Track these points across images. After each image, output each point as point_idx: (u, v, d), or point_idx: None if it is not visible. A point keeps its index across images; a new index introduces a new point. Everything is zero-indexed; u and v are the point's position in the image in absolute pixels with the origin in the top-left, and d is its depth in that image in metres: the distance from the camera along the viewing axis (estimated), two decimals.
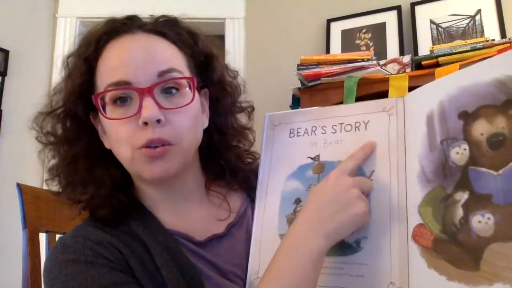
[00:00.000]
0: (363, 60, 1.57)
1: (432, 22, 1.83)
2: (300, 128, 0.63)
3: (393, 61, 1.71)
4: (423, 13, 1.85)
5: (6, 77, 2.07)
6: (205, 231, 0.64)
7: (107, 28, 0.61)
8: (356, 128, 0.58)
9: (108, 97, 0.57)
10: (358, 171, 0.55)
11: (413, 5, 1.88)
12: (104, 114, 0.58)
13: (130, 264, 0.57)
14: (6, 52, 2.07)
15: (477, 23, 1.74)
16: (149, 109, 0.55)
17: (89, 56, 0.60)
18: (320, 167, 0.59)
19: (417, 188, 0.51)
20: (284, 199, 0.60)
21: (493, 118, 0.46)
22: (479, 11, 1.75)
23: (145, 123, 0.55)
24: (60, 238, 0.61)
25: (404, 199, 0.52)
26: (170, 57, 0.60)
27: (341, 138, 0.59)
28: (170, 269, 0.57)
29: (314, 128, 0.62)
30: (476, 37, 1.68)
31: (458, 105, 0.49)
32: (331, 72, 1.57)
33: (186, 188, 0.65)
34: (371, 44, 1.92)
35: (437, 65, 1.50)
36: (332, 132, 0.60)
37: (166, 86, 0.58)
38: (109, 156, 0.62)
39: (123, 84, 0.56)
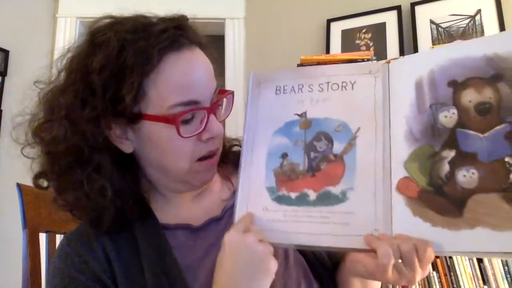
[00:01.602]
0: (363, 60, 1.57)
1: (432, 22, 1.83)
2: (286, 85, 0.64)
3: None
4: (423, 13, 1.85)
5: (6, 77, 2.07)
6: (205, 215, 0.67)
7: (165, 38, 0.57)
8: (343, 88, 0.61)
9: (176, 118, 0.57)
10: (344, 128, 0.58)
11: (413, 5, 1.88)
12: (180, 132, 0.57)
13: (113, 268, 0.60)
14: (6, 52, 2.07)
15: (477, 23, 1.74)
16: (217, 126, 0.61)
17: (146, 69, 0.56)
18: (307, 123, 0.61)
19: (404, 145, 0.55)
20: (270, 154, 0.61)
21: (481, 89, 0.52)
22: (479, 11, 1.75)
23: (210, 138, 0.60)
24: (64, 236, 0.65)
25: (388, 154, 0.55)
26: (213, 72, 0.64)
27: (328, 97, 0.61)
28: (154, 271, 0.59)
29: (300, 86, 0.63)
30: (476, 37, 1.68)
31: (448, 75, 0.54)
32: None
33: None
34: (371, 44, 1.92)
35: None
36: (319, 91, 0.62)
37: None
38: (118, 163, 0.62)
39: (193, 104, 0.58)
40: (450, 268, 1.37)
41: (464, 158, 0.50)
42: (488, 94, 0.51)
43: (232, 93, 0.66)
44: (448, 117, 0.53)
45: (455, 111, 0.53)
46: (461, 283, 1.35)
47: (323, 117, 0.60)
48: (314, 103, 0.61)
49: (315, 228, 0.55)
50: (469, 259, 1.36)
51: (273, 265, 0.53)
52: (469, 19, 1.76)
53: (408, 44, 1.86)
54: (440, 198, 0.51)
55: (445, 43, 1.69)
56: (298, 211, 0.57)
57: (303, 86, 0.63)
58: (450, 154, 0.52)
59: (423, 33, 1.82)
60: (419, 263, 0.49)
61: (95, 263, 0.60)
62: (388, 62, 0.61)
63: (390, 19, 1.92)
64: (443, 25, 1.80)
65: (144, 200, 0.66)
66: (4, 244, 1.90)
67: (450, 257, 1.37)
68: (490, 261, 1.33)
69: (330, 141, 0.59)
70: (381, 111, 0.57)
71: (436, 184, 0.51)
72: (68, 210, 0.63)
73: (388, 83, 0.58)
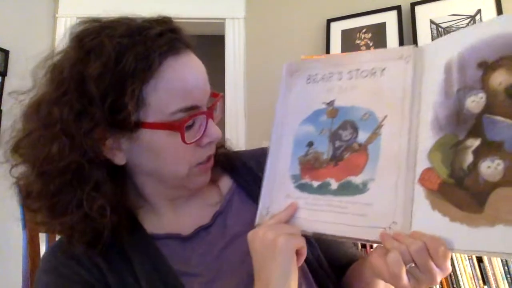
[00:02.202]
0: None
1: (432, 22, 1.83)
2: (317, 74, 0.64)
3: None
4: (423, 13, 1.85)
5: (6, 77, 2.07)
6: (194, 224, 0.65)
7: (164, 42, 0.55)
8: (372, 74, 0.59)
9: (181, 124, 0.55)
10: (370, 116, 0.57)
11: (413, 5, 1.88)
12: (184, 138, 0.56)
13: (107, 280, 0.57)
14: (6, 52, 2.07)
15: (477, 23, 1.74)
16: (216, 130, 0.60)
17: (147, 75, 0.53)
18: (334, 112, 0.60)
19: (429, 134, 0.51)
20: (297, 142, 0.62)
21: None
22: (479, 11, 1.75)
23: (209, 142, 0.60)
24: (47, 250, 0.62)
25: (414, 145, 0.52)
26: None
27: (356, 84, 0.60)
28: (150, 279, 0.57)
29: (330, 74, 0.62)
30: None
31: (478, 56, 0.49)
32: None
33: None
34: (371, 44, 1.92)
35: None
36: (348, 78, 0.61)
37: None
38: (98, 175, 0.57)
39: (193, 109, 0.57)
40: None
41: (489, 148, 0.45)
42: None
43: (223, 96, 0.65)
44: (475, 101, 0.48)
45: (483, 95, 0.48)
46: (461, 283, 1.35)
47: (350, 105, 0.59)
48: (342, 91, 0.60)
49: (333, 217, 0.55)
50: (469, 259, 1.36)
51: (284, 243, 0.52)
52: (469, 19, 1.76)
53: (408, 44, 1.85)
54: (461, 191, 0.46)
55: None
56: (319, 200, 0.57)
57: (333, 74, 0.62)
58: (474, 143, 0.47)
59: (423, 33, 1.82)
60: (434, 263, 0.46)
61: (87, 273, 0.57)
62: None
63: (390, 19, 1.92)
64: (443, 25, 1.80)
65: (131, 212, 0.63)
66: (4, 244, 1.90)
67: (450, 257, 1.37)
68: (490, 261, 1.33)
69: (355, 130, 0.58)
70: (409, 98, 0.54)
71: (457, 176, 0.47)
72: (63, 235, 0.59)
73: (422, 68, 0.55)
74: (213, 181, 0.70)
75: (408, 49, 0.57)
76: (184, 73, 0.56)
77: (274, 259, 0.52)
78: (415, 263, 0.47)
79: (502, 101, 0.46)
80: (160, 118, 0.55)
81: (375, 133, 0.56)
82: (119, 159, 0.58)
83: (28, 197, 0.58)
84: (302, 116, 0.63)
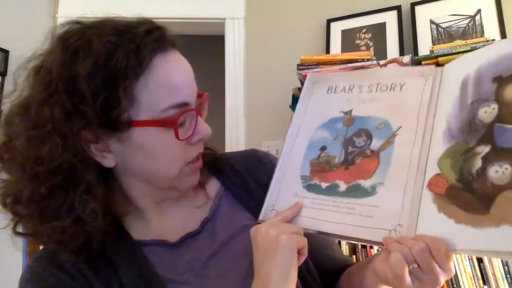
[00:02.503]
0: (363, 60, 1.57)
1: (432, 22, 1.83)
2: (338, 86, 0.66)
3: (393, 61, 1.70)
4: (423, 13, 1.85)
5: (6, 77, 2.07)
6: (181, 230, 0.65)
7: (152, 40, 0.55)
8: (392, 89, 0.61)
9: (175, 120, 0.55)
10: (385, 126, 0.58)
11: (413, 5, 1.88)
12: (178, 134, 0.55)
13: (94, 286, 0.56)
14: (6, 52, 2.07)
15: (477, 23, 1.74)
16: (206, 127, 0.60)
17: (138, 72, 0.53)
18: (351, 121, 0.62)
19: (440, 143, 0.53)
20: (311, 145, 0.64)
21: None
22: (479, 11, 1.75)
23: (199, 140, 0.60)
24: (30, 261, 0.60)
25: (425, 154, 0.54)
26: None
27: (376, 97, 0.62)
28: (135, 287, 0.56)
29: (351, 87, 0.65)
30: (476, 37, 1.68)
31: (494, 71, 0.51)
32: (331, 72, 1.57)
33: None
34: (371, 44, 1.92)
35: (437, 65, 1.49)
36: (368, 92, 0.63)
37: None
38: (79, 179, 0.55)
39: (184, 106, 0.57)
40: None
41: (498, 154, 0.47)
42: None
43: (208, 95, 0.64)
44: (488, 112, 0.50)
45: (495, 106, 0.49)
46: (461, 283, 1.34)
47: (367, 116, 0.61)
48: (361, 102, 0.63)
49: (339, 217, 0.55)
50: (469, 259, 1.36)
51: (286, 240, 0.52)
52: (469, 19, 1.76)
53: (408, 44, 1.85)
54: (468, 195, 0.47)
55: (445, 43, 1.69)
56: (326, 200, 0.58)
57: (353, 87, 0.64)
58: (484, 149, 0.48)
59: (423, 33, 1.82)
60: (437, 263, 0.46)
61: (73, 282, 0.56)
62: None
63: (390, 19, 1.92)
64: (443, 25, 1.80)
65: (117, 218, 0.62)
66: (4, 244, 1.90)
67: None
68: (490, 261, 1.33)
69: (369, 137, 0.59)
70: (425, 111, 0.56)
71: (466, 180, 0.48)
72: (53, 242, 0.57)
73: (439, 85, 0.57)
74: (200, 183, 0.69)
75: (429, 68, 0.59)
76: (173, 70, 0.56)
77: (275, 256, 0.52)
78: (418, 265, 0.47)
79: None
80: (151, 116, 0.54)
81: (389, 142, 0.57)
82: (109, 162, 0.57)
83: (17, 203, 0.56)
84: (319, 122, 0.64)
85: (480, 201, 0.46)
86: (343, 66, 1.57)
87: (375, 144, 0.58)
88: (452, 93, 0.55)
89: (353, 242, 0.65)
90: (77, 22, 0.58)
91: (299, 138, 0.65)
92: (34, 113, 0.54)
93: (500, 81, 0.50)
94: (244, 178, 0.70)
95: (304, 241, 0.54)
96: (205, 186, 0.70)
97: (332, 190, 0.58)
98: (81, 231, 0.55)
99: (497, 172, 0.46)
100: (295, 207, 0.58)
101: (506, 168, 0.45)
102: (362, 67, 1.54)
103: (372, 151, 0.58)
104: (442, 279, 0.47)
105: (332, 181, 0.59)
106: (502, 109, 0.49)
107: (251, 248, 0.56)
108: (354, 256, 1.49)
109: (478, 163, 0.48)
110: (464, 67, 0.55)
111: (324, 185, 0.59)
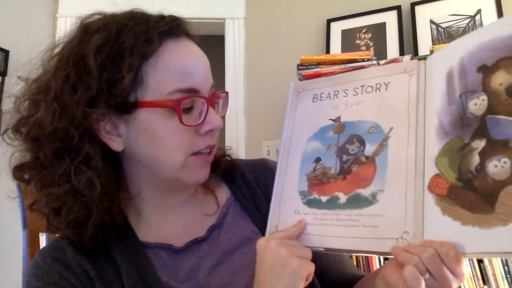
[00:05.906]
0: (363, 60, 1.57)
1: (432, 22, 1.83)
2: (323, 93, 0.65)
3: (393, 61, 1.71)
4: (423, 13, 1.85)
5: (6, 77, 2.07)
6: (188, 235, 0.64)
7: (164, 24, 0.57)
8: (377, 89, 0.60)
9: (178, 102, 0.55)
10: (376, 129, 0.57)
11: (413, 5, 1.88)
12: (181, 117, 0.55)
13: (96, 287, 0.56)
14: (6, 52, 2.07)
15: (477, 23, 1.74)
16: (217, 118, 0.59)
17: (146, 51, 0.55)
18: (341, 128, 0.61)
19: (435, 141, 0.51)
20: (304, 159, 0.62)
21: None
22: (479, 11, 1.75)
23: (209, 131, 0.58)
24: (37, 254, 0.61)
25: (421, 153, 0.52)
26: None
27: (362, 100, 0.61)
28: None
29: (336, 92, 0.64)
30: None
31: (477, 60, 0.50)
32: (331, 72, 1.57)
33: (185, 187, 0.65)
34: (371, 44, 1.92)
35: None
36: (354, 95, 0.62)
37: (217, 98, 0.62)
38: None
39: (192, 92, 0.57)
40: None
41: (495, 147, 0.45)
42: None
43: (227, 93, 0.65)
44: (478, 104, 0.48)
45: (485, 97, 0.48)
46: None
47: (356, 120, 0.60)
48: (348, 107, 0.61)
49: (344, 231, 0.54)
50: (469, 259, 1.36)
51: (298, 266, 0.51)
52: (469, 19, 1.76)
53: (408, 44, 1.86)
54: (470, 193, 0.46)
55: (445, 43, 1.69)
56: (328, 215, 0.56)
57: (338, 92, 0.63)
58: (480, 144, 0.47)
59: (423, 33, 1.82)
60: (447, 268, 0.45)
61: (76, 281, 0.56)
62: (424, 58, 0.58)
63: (390, 19, 1.92)
64: (443, 25, 1.80)
65: (124, 215, 0.62)
66: (4, 244, 1.90)
67: None
68: (490, 261, 1.33)
69: (362, 143, 0.58)
70: (414, 108, 0.55)
71: (466, 179, 0.47)
72: (50, 211, 0.57)
73: (425, 79, 0.56)
74: (210, 190, 0.68)
75: (411, 63, 0.58)
76: (184, 55, 0.57)
77: (284, 278, 0.51)
78: (430, 273, 0.46)
79: (504, 100, 0.46)
80: (158, 97, 0.55)
81: (382, 145, 0.56)
82: (117, 145, 0.58)
83: (22, 169, 0.59)
84: (309, 133, 0.63)
85: (484, 200, 0.45)
86: (343, 66, 1.57)
87: (369, 149, 0.57)
88: (439, 87, 0.53)
89: (362, 255, 0.63)
90: (101, 13, 0.60)
91: (292, 152, 0.64)
92: (43, 82, 0.57)
93: (485, 70, 0.49)
94: (254, 189, 0.70)
95: (312, 268, 0.53)
96: (216, 193, 0.69)
97: (332, 203, 0.57)
98: (77, 203, 0.55)
99: (496, 167, 0.45)
100: (299, 226, 0.57)
101: (505, 162, 0.44)
102: (362, 67, 1.54)
103: (366, 157, 0.56)
104: (455, 286, 0.46)
105: (332, 194, 0.57)
106: (491, 100, 0.47)
107: (252, 262, 0.56)
108: (354, 257, 1.49)
109: (476, 159, 0.47)
110: (446, 59, 0.54)
111: (324, 198, 0.58)
